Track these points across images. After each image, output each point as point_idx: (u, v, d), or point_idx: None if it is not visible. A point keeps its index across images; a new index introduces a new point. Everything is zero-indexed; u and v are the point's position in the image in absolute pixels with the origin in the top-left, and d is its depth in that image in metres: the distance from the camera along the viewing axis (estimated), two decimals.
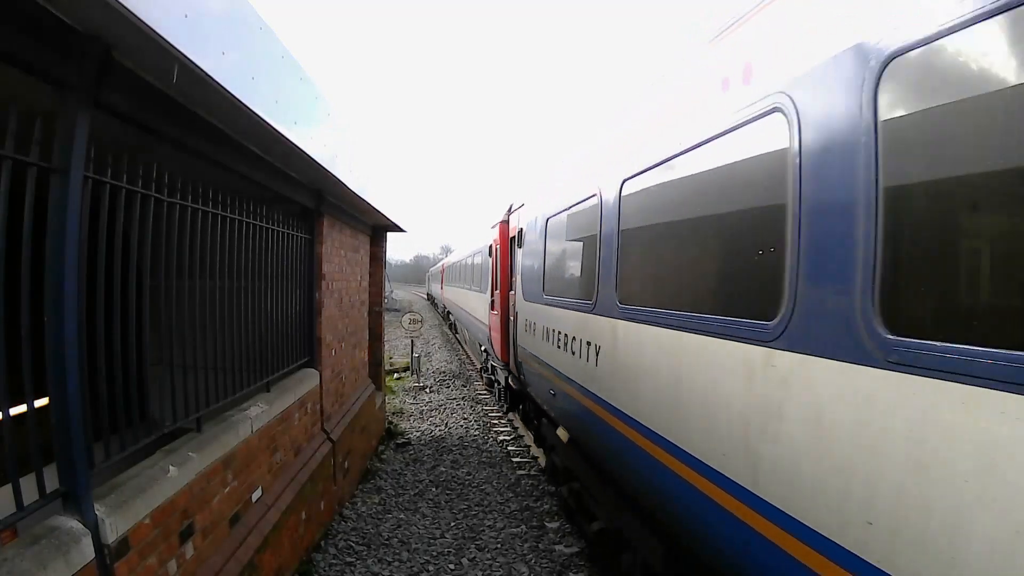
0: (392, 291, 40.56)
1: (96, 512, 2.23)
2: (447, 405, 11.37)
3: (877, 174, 1.74)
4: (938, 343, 1.54)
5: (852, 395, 1.81)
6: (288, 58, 3.40)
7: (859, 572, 1.76)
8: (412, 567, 4.89)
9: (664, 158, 3.16)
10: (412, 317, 14.78)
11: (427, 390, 12.86)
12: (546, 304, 5.70)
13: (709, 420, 2.62)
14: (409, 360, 14.78)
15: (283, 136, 3.36)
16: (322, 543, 5.14)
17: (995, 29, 1.44)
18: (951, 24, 1.52)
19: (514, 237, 7.96)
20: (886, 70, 1.72)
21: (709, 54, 2.87)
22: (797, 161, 2.09)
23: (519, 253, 7.45)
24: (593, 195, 4.27)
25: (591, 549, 4.98)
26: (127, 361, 2.65)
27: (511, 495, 6.63)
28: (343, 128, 4.93)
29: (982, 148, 1.57)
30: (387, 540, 5.38)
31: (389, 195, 7.46)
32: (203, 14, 2.33)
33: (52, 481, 2.13)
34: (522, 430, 9.26)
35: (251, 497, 3.78)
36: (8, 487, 1.95)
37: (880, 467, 1.69)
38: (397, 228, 8.95)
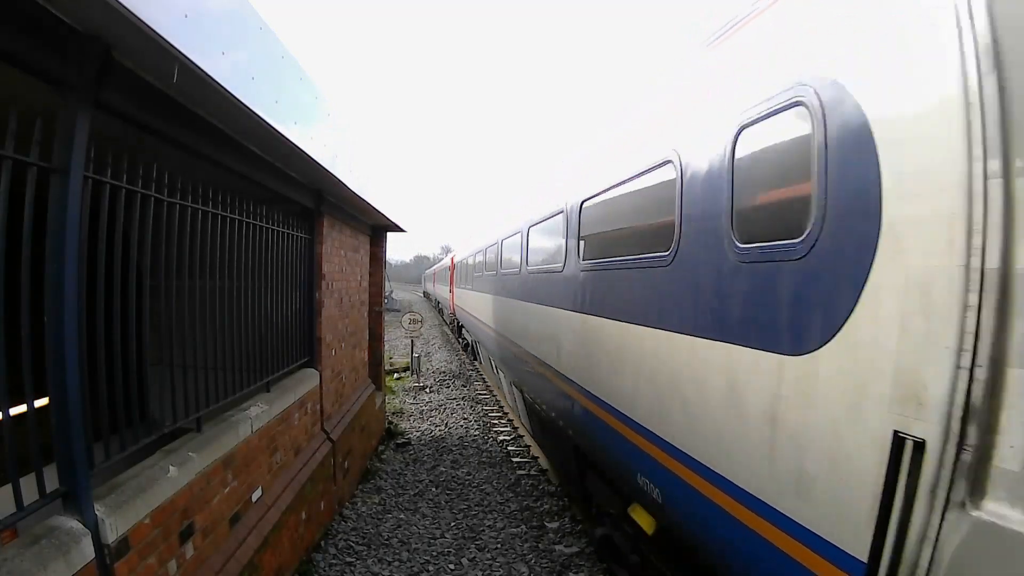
0: (392, 291, 41.07)
1: (96, 512, 2.23)
2: (447, 405, 11.37)
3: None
4: None
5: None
6: (288, 58, 3.40)
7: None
8: (412, 567, 4.89)
9: (491, 243, 10.06)
10: (412, 317, 14.79)
11: (427, 390, 12.86)
12: (463, 288, 15.39)
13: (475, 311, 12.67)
14: (409, 360, 14.79)
15: (283, 136, 3.36)
16: (322, 543, 5.15)
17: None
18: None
19: (456, 263, 19.02)
20: None
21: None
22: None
23: (456, 270, 18.91)
24: (481, 250, 11.24)
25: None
26: (127, 361, 2.65)
27: (511, 495, 6.63)
28: (343, 128, 4.93)
29: None
30: (387, 540, 5.39)
31: (389, 195, 7.46)
32: (203, 14, 2.33)
33: (52, 481, 2.13)
34: (522, 430, 9.32)
35: (251, 497, 3.79)
36: (8, 487, 1.95)
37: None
38: (397, 228, 8.96)
